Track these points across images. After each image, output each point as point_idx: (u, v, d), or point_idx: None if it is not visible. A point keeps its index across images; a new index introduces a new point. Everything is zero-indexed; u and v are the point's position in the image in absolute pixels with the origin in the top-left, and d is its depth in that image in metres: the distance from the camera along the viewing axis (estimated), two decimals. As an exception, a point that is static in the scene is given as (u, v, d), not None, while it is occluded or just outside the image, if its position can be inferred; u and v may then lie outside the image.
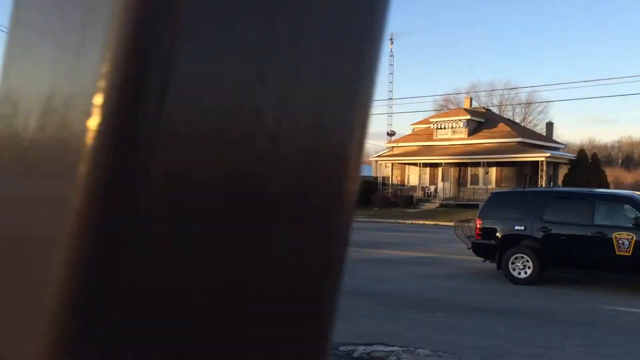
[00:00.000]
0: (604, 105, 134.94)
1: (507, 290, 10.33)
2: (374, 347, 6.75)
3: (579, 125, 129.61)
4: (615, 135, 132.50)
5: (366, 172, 47.57)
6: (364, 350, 6.66)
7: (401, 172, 40.80)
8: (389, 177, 40.19)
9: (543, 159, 32.68)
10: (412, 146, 39.93)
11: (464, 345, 6.98)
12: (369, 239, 20.36)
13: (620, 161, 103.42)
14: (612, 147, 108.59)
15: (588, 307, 8.95)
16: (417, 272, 12.42)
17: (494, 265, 11.98)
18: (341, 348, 6.84)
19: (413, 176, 40.29)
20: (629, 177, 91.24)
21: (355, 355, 6.58)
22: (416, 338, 7.33)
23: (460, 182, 37.84)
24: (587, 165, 36.20)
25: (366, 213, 34.40)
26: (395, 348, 6.72)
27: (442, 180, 38.27)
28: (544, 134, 46.14)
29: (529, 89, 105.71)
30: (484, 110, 42.97)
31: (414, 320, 8.18)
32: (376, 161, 41.12)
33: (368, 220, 30.99)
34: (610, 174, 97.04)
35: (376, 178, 42.09)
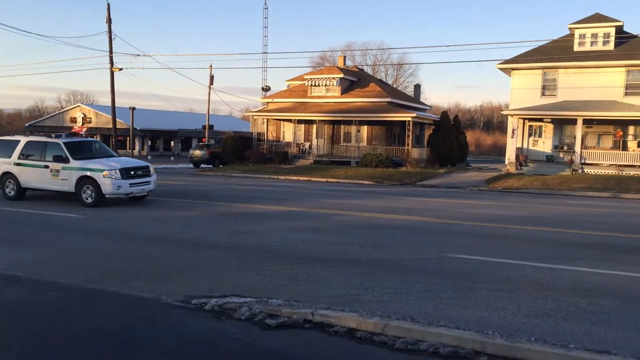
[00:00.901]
0: (469, 72, 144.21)
1: (370, 242, 10.73)
2: (226, 300, 6.65)
3: (448, 90, 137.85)
4: (478, 101, 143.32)
5: (243, 127, 46.92)
6: (216, 302, 6.54)
7: (276, 128, 40.71)
8: (264, 133, 39.94)
9: (409, 119, 34.23)
10: (287, 102, 39.81)
11: (318, 294, 7.12)
12: (240, 194, 20.19)
13: (481, 124, 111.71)
14: (475, 111, 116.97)
15: (434, 255, 9.57)
16: (283, 225, 12.51)
17: (351, 218, 12.34)
18: (193, 301, 6.68)
19: (288, 132, 40.41)
20: (488, 138, 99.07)
21: (206, 307, 6.45)
22: (272, 289, 7.37)
23: (333, 139, 38.62)
24: (449, 126, 38.63)
25: (241, 168, 34.07)
26: (248, 299, 6.68)
27: (317, 137, 38.78)
28: (413, 95, 48.33)
29: (400, 51, 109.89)
30: (357, 70, 43.87)
31: (273, 272, 8.21)
32: (252, 117, 40.51)
33: (242, 176, 30.73)
34: (472, 135, 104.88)
35: (252, 134, 41.65)
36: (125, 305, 6.55)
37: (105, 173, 14.78)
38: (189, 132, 70.48)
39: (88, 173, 14.96)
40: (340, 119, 36.65)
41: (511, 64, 33.09)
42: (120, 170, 15.01)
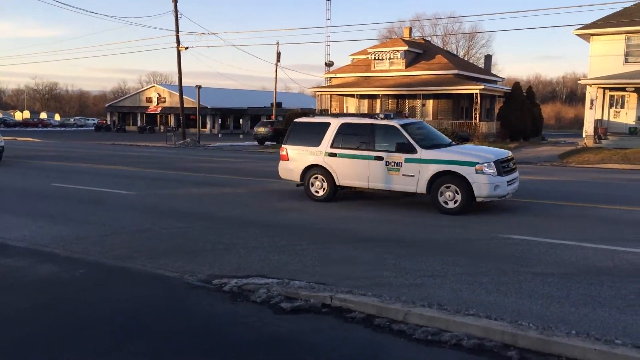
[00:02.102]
0: (549, 41, 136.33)
1: (406, 220, 10.17)
2: (247, 280, 6.39)
3: (527, 61, 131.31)
4: (560, 72, 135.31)
5: (312, 104, 46.70)
6: (235, 283, 6.29)
7: (339, 103, 40.17)
8: (327, 109, 39.50)
9: (477, 91, 32.63)
10: (350, 77, 39.09)
11: (347, 276, 6.73)
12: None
13: (564, 96, 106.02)
14: (557, 82, 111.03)
15: (483, 236, 8.88)
16: (330, 204, 12.13)
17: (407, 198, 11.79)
18: (215, 281, 6.47)
19: (351, 108, 39.76)
20: (570, 111, 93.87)
21: (225, 288, 6.21)
22: (300, 270, 7.04)
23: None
24: (522, 98, 36.60)
25: (302, 145, 33.90)
26: (270, 280, 6.39)
27: (381, 110, 37.93)
28: (484, 67, 46.18)
29: (472, 21, 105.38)
30: (423, 42, 42.30)
31: (305, 252, 7.89)
32: (316, 93, 40.22)
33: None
34: (552, 108, 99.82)
35: (314, 110, 41.39)
36: (146, 284, 6.44)
37: (479, 167, 10.63)
38: (257, 110, 71.32)
39: (451, 167, 10.78)
40: (405, 92, 35.59)
41: (590, 29, 30.66)
42: (495, 162, 10.80)
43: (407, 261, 7.41)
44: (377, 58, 37.92)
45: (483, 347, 4.66)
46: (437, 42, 66.74)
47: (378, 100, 38.06)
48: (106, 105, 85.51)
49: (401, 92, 35.72)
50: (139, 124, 73.72)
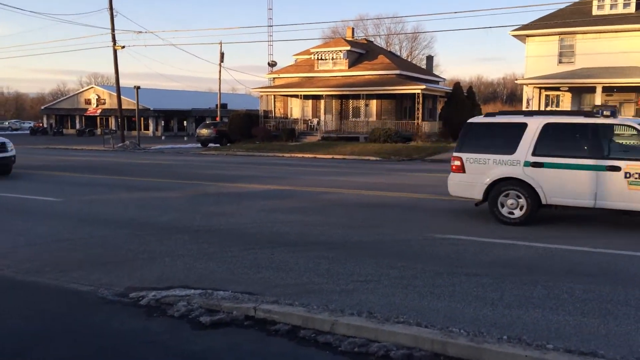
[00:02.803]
0: (490, 43, 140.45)
1: (353, 224, 9.90)
2: (167, 292, 5.91)
3: (469, 63, 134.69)
4: (501, 73, 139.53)
5: (252, 105, 46.08)
6: (153, 296, 5.80)
7: (284, 104, 39.74)
8: (271, 110, 39.00)
9: (419, 91, 32.94)
10: (294, 77, 38.72)
11: (276, 284, 6.36)
12: (232, 172, 19.46)
13: (504, 97, 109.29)
14: (498, 83, 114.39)
15: (419, 236, 8.69)
16: (265, 205, 11.71)
17: (342, 196, 11.52)
18: (132, 295, 5.95)
19: (296, 109, 39.42)
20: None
21: (142, 302, 5.71)
22: (228, 278, 6.62)
23: (342, 114, 37.54)
24: (462, 98, 37.23)
25: (246, 147, 33.34)
26: (192, 291, 5.92)
27: (325, 112, 37.75)
28: (426, 67, 46.80)
29: (415, 21, 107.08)
30: (365, 42, 42.42)
31: (235, 259, 7.45)
32: (259, 93, 39.62)
33: (245, 154, 30.01)
34: (494, 108, 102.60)
35: (255, 111, 40.79)
36: (52, 300, 5.85)
37: None
38: (202, 112, 69.94)
39: None
40: (348, 93, 35.54)
41: (525, 30, 31.50)
42: None
43: (340, 265, 7.10)
44: (320, 58, 37.73)
45: (412, 357, 4.39)
46: (380, 43, 67.39)
47: (322, 101, 37.87)
48: (42, 107, 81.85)
49: (345, 92, 35.66)
50: (77, 126, 70.98)
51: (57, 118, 74.67)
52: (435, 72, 59.77)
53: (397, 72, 36.11)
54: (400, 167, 21.94)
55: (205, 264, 7.26)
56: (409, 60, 65.83)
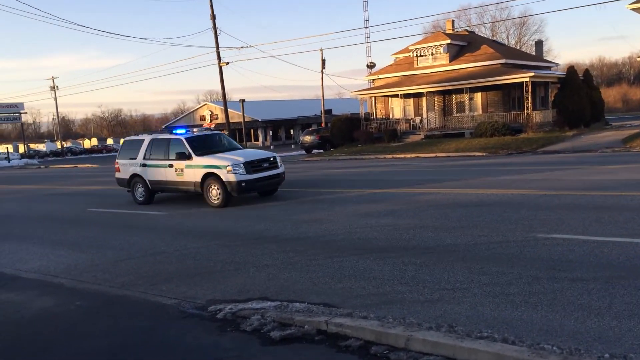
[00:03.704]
0: (610, 21, 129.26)
1: (447, 225, 9.32)
2: (244, 305, 5.83)
3: (587, 45, 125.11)
4: (625, 52, 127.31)
5: (356, 108, 45.96)
6: (230, 309, 5.75)
7: (385, 105, 39.18)
8: (373, 112, 38.65)
9: (527, 79, 30.84)
10: (393, 77, 38.03)
11: (357, 294, 6.08)
12: (332, 178, 19.38)
13: (631, 77, 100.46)
14: (623, 64, 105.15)
15: (519, 237, 7.93)
16: (357, 210, 11.42)
17: (438, 196, 10.92)
18: (210, 308, 5.96)
19: (397, 109, 38.69)
20: (639, 93, 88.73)
21: (219, 316, 5.68)
22: (308, 289, 6.44)
23: (445, 110, 36.25)
24: (578, 83, 34.42)
25: (348, 150, 33.27)
26: (268, 304, 5.79)
27: (427, 110, 36.69)
28: (535, 53, 43.91)
29: (522, 7, 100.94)
30: (467, 33, 40.63)
31: (319, 268, 7.25)
32: (359, 96, 39.44)
33: (347, 158, 29.92)
34: (618, 91, 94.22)
35: (357, 114, 40.59)
36: (137, 314, 6.00)
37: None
38: (308, 119, 71.25)
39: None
40: (450, 87, 34.25)
41: (646, 2, 28.34)
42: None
43: (427, 272, 6.64)
44: (419, 55, 36.77)
45: (493, 379, 3.88)
46: (485, 33, 64.55)
47: (423, 98, 36.86)
48: (162, 127, 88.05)
49: (447, 87, 34.41)
50: (194, 142, 75.23)
51: (176, 135, 79.78)
52: (548, 57, 56.01)
53: (502, 61, 34.19)
54: (506, 162, 20.63)
55: (289, 273, 7.13)
56: (519, 47, 62.35)
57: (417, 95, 37.07)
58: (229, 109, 58.66)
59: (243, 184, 13.05)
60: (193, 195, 14.85)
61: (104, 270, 8.16)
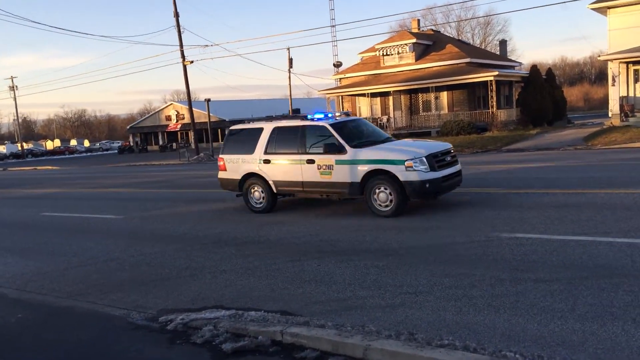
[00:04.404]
0: (571, 21, 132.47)
1: (405, 225, 9.15)
2: (197, 315, 5.51)
3: (549, 45, 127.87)
4: (587, 52, 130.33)
5: (332, 108, 45.69)
6: (181, 320, 5.43)
7: (352, 104, 39.09)
8: (340, 111, 38.48)
9: (491, 78, 31.15)
10: (360, 76, 37.97)
11: (317, 300, 5.83)
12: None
13: (593, 77, 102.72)
14: (585, 63, 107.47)
15: (483, 237, 7.81)
16: (320, 211, 11.19)
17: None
18: (161, 318, 5.63)
19: (364, 108, 38.64)
20: (599, 91, 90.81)
21: (169, 327, 5.36)
22: (266, 295, 6.16)
23: (412, 110, 36.35)
24: (541, 82, 34.96)
25: (315, 150, 33.03)
26: (222, 313, 5.50)
27: (394, 109, 36.74)
28: (499, 53, 44.48)
29: (486, 7, 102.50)
30: (432, 32, 40.87)
31: (279, 272, 6.98)
32: (326, 96, 39.30)
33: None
34: (580, 90, 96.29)
35: (325, 113, 40.37)
36: (81, 327, 5.62)
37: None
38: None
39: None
40: (417, 87, 34.37)
41: (605, 2, 28.98)
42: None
43: (389, 275, 6.43)
44: (385, 54, 36.78)
45: (453, 391, 3.68)
46: (451, 32, 65.18)
47: (390, 97, 36.91)
48: (128, 127, 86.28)
49: (413, 87, 34.52)
50: (160, 142, 73.97)
51: (142, 136, 78.27)
52: (512, 56, 56.90)
53: (467, 60, 34.48)
54: (473, 160, 20.70)
55: (247, 279, 6.84)
56: (483, 47, 63.17)
57: (384, 95, 37.10)
58: (195, 109, 57.74)
59: (427, 185, 9.67)
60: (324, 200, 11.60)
61: (52, 279, 7.72)
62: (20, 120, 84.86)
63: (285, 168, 11.04)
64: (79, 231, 11.49)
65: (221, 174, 12.29)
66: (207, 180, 20.99)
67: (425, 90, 35.09)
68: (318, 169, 10.50)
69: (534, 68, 36.06)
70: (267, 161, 11.26)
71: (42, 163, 57.94)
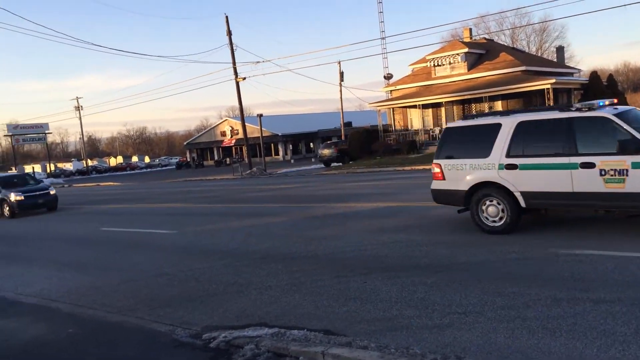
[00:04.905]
0: (635, 24, 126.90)
1: (458, 240, 8.85)
2: (240, 333, 5.47)
3: (611, 50, 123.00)
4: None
5: (374, 120, 45.53)
6: (224, 337, 5.39)
7: (403, 116, 38.68)
8: (391, 124, 38.19)
9: (548, 86, 30.09)
10: (411, 87, 37.56)
11: (361, 318, 5.67)
12: (344, 192, 18.99)
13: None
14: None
15: (538, 253, 7.43)
16: (369, 226, 11.00)
17: (456, 214, 10.44)
18: (205, 336, 5.62)
19: (416, 119, 38.16)
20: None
21: (212, 345, 5.34)
22: (310, 313, 6.06)
23: (465, 120, 35.53)
24: (601, 89, 33.50)
25: (367, 163, 32.86)
26: (265, 331, 5.43)
27: (446, 120, 36.06)
28: (556, 60, 43.04)
29: (541, 12, 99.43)
30: (485, 41, 40.01)
31: (323, 289, 6.87)
32: (377, 108, 39.07)
33: (365, 171, 29.51)
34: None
35: (376, 126, 40.14)
36: (126, 342, 5.68)
37: None
38: (328, 132, 70.95)
39: None
40: (469, 97, 33.67)
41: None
42: None
43: (438, 293, 6.20)
44: (436, 64, 36.29)
45: (503, 422, 3.44)
46: (505, 40, 63.63)
47: (442, 108, 36.31)
48: (185, 143, 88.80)
49: (465, 97, 33.83)
50: (215, 157, 75.62)
51: (198, 151, 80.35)
52: (571, 63, 54.94)
53: (523, 68, 33.50)
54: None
55: (292, 296, 6.76)
56: (539, 54, 61.35)
57: (436, 106, 36.54)
58: (249, 124, 58.68)
59: None
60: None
61: (104, 293, 7.90)
62: (85, 138, 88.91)
63: (542, 175, 8.48)
64: (133, 246, 11.78)
65: (436, 184, 9.94)
66: (258, 195, 21.21)
67: (479, 100, 34.31)
68: (601, 175, 7.84)
69: (594, 74, 34.64)
70: (512, 166, 8.74)
71: (104, 179, 60.33)
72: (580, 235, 8.24)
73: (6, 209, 22.01)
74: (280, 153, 70.64)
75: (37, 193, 22.49)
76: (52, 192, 22.96)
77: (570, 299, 5.54)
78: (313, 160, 55.46)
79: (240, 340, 5.27)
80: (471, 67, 35.42)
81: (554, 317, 5.10)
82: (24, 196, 21.90)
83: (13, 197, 21.76)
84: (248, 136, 41.56)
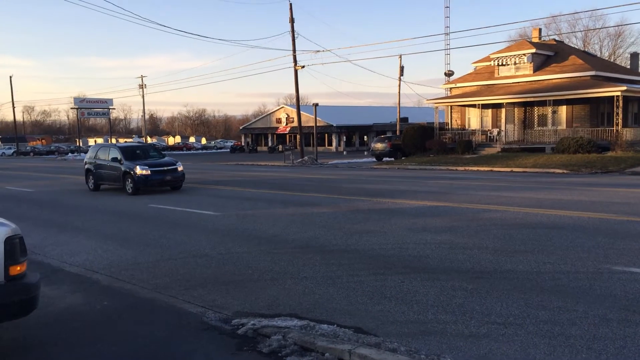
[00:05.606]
0: None
1: (509, 248, 8.46)
2: (269, 322, 5.37)
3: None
4: None
5: (440, 118, 44.62)
6: (253, 325, 5.31)
7: (461, 115, 37.70)
8: (448, 122, 37.33)
9: (619, 93, 28.52)
10: (471, 86, 36.54)
11: (394, 319, 5.47)
12: (395, 187, 18.64)
13: None
14: None
15: (591, 267, 6.98)
16: (414, 224, 10.72)
17: (505, 215, 10.00)
18: (234, 321, 5.55)
19: (474, 119, 37.12)
20: None
21: (240, 331, 5.26)
22: (343, 308, 5.90)
23: (525, 123, 34.31)
24: (677, 98, 31.55)
25: (419, 160, 32.28)
26: (294, 322, 5.31)
27: (506, 122, 34.91)
28: (630, 66, 40.84)
29: (617, 16, 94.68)
30: (554, 43, 38.31)
31: (359, 285, 6.69)
32: (434, 105, 38.22)
33: (417, 168, 28.99)
34: None
35: (432, 123, 39.33)
36: (156, 321, 5.68)
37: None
38: (383, 126, 70.32)
39: None
40: (532, 99, 32.41)
41: None
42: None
43: (477, 300, 5.91)
44: (500, 64, 35.11)
45: None
46: (576, 43, 61.02)
47: (503, 110, 35.14)
48: (240, 127, 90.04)
49: (528, 99, 32.57)
50: (269, 144, 76.29)
51: (253, 137, 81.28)
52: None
53: (592, 73, 31.93)
54: (589, 182, 19.06)
55: (326, 289, 6.62)
56: (612, 60, 58.47)
57: (496, 106, 35.41)
58: (304, 113, 58.81)
59: None
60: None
61: (143, 269, 7.99)
62: (147, 116, 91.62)
63: None
64: (177, 225, 11.93)
65: None
66: (306, 184, 21.17)
67: (542, 103, 33.01)
68: None
69: (671, 84, 32.63)
70: None
71: (161, 157, 61.88)
72: (638, 252, 7.69)
73: (129, 185, 18.65)
74: (333, 144, 70.50)
75: (165, 168, 19.15)
76: (179, 169, 19.60)
77: (620, 319, 5.15)
78: (365, 153, 55.04)
79: (268, 330, 5.17)
80: (537, 68, 34.07)
81: (601, 338, 4.75)
82: (151, 170, 18.53)
83: (139, 170, 18.42)
84: (302, 125, 41.60)
